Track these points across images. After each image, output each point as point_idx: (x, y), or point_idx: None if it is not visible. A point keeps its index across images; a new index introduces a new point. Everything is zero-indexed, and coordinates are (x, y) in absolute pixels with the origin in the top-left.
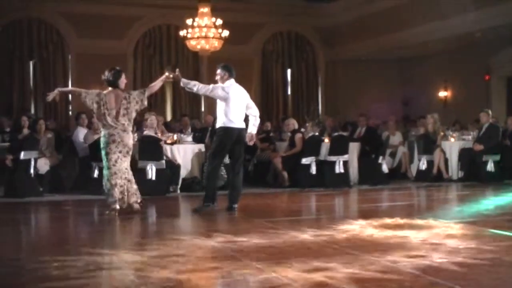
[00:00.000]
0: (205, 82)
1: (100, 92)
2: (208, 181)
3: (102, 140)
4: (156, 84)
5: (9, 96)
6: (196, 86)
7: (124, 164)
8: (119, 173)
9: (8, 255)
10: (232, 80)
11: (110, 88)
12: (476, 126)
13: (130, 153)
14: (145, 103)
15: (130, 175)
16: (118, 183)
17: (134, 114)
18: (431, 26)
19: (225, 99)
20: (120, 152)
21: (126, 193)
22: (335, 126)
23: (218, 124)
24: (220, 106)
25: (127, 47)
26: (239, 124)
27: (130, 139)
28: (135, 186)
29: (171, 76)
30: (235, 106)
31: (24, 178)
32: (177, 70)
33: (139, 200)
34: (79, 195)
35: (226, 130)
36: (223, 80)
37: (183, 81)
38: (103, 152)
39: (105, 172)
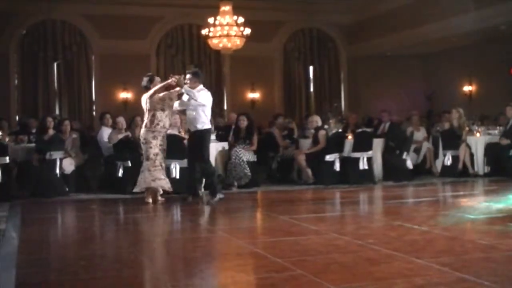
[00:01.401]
0: (228, 81)
1: None
2: (214, 178)
3: None
4: (160, 88)
5: (34, 97)
6: (192, 94)
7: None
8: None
9: (35, 254)
10: (201, 85)
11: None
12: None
13: (145, 145)
14: (170, 103)
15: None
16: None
17: (160, 112)
18: (454, 20)
19: (207, 104)
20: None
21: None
22: (358, 122)
23: (200, 127)
24: (200, 110)
25: (150, 47)
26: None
27: (144, 132)
28: (150, 177)
29: (175, 79)
30: (209, 109)
31: (50, 178)
32: (182, 76)
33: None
34: (104, 194)
35: (208, 131)
36: (194, 85)
37: (185, 88)
38: None
39: None
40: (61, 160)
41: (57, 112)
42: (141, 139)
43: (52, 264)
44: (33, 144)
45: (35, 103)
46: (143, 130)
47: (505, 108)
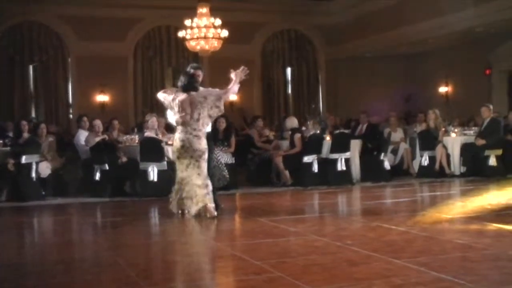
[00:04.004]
0: (206, 83)
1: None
2: None
3: (174, 144)
4: (233, 87)
5: (10, 100)
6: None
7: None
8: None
9: (13, 259)
10: None
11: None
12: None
13: (204, 157)
14: (222, 109)
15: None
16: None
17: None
18: (432, 22)
19: None
20: (191, 157)
21: (193, 199)
22: (336, 123)
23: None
24: None
25: (127, 49)
26: None
27: (202, 144)
28: (204, 191)
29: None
30: None
31: (26, 182)
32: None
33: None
34: (82, 198)
35: None
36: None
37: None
38: (175, 156)
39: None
40: (37, 163)
41: (33, 115)
42: (202, 153)
43: (29, 268)
44: (8, 148)
45: (11, 106)
46: (204, 141)
47: (480, 109)
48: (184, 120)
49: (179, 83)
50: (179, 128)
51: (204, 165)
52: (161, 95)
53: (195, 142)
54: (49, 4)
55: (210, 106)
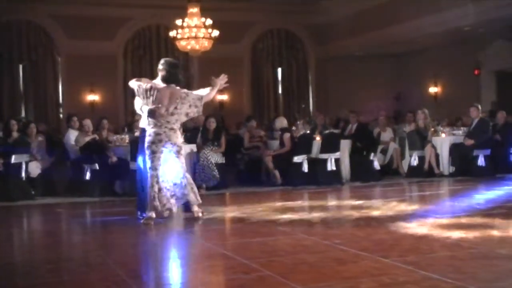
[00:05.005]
0: (196, 82)
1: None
2: None
3: (147, 139)
4: (211, 94)
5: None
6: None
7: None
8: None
9: (2, 259)
10: None
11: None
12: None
13: (182, 152)
14: (200, 110)
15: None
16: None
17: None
18: (421, 21)
19: None
20: (169, 152)
21: (172, 198)
22: (325, 123)
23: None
24: None
25: (117, 48)
26: None
27: (179, 138)
28: (185, 191)
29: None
30: None
31: (15, 181)
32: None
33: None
34: (71, 198)
35: None
36: None
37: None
38: (147, 152)
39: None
40: (26, 163)
41: (23, 114)
42: (180, 148)
43: (18, 268)
44: None
45: (0, 106)
46: (182, 140)
47: (469, 109)
48: (158, 112)
49: (162, 73)
50: (151, 122)
51: (183, 161)
52: (135, 83)
53: (172, 136)
54: (39, 3)
55: (189, 104)
